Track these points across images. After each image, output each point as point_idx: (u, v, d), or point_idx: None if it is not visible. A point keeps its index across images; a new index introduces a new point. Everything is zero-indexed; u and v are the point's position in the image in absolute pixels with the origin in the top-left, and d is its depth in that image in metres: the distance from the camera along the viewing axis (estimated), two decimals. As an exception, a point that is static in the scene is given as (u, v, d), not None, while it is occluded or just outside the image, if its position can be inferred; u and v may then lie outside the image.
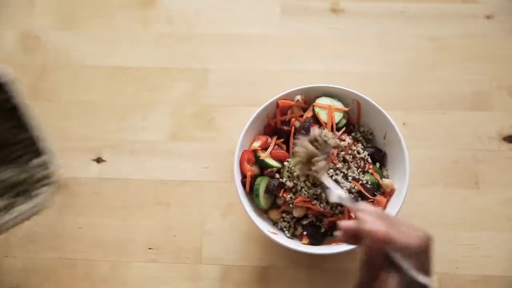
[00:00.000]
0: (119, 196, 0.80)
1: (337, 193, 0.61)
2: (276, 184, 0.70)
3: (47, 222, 0.79)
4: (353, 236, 0.50)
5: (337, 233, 0.51)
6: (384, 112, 0.71)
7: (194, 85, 0.87)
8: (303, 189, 0.68)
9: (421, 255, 0.48)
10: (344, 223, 0.51)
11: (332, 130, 0.71)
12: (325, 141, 0.64)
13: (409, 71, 0.87)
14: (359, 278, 0.49)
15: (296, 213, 0.70)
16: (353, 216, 0.67)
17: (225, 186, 0.80)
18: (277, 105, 0.73)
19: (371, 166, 0.71)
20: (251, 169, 0.71)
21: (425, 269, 0.48)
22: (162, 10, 0.92)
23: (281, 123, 0.74)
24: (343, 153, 0.70)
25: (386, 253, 0.47)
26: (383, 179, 0.71)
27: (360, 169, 0.71)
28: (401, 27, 0.89)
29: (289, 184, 0.69)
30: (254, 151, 0.72)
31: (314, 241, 0.69)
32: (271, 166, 0.71)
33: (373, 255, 0.48)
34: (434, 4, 0.90)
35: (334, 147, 0.68)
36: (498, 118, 0.83)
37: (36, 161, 0.60)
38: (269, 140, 0.73)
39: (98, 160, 0.82)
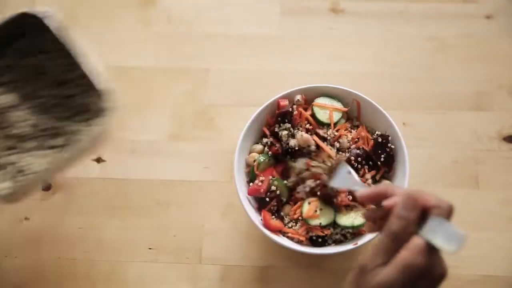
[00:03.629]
0: (119, 196, 0.80)
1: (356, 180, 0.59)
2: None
3: (47, 222, 0.79)
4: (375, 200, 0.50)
5: (359, 193, 0.51)
6: (384, 112, 0.71)
7: (194, 85, 0.87)
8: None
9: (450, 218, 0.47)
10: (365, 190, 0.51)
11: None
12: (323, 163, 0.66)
13: (409, 71, 0.87)
14: (385, 246, 0.47)
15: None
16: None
17: (225, 186, 0.80)
18: (278, 105, 0.73)
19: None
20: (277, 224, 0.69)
21: None
22: (162, 10, 0.92)
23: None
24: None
25: (417, 214, 0.47)
26: (382, 179, 0.71)
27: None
28: (401, 27, 0.89)
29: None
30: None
31: (314, 244, 0.69)
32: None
33: (407, 223, 0.46)
34: (434, 4, 0.90)
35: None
36: (498, 118, 0.83)
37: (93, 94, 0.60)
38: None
39: (98, 160, 0.82)
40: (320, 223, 0.67)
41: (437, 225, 0.46)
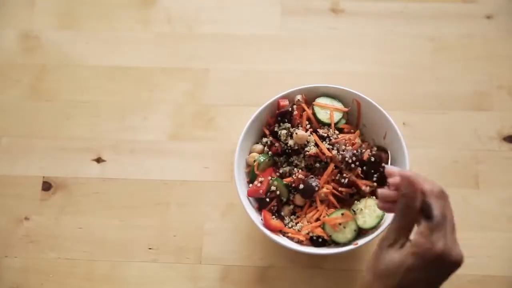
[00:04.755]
0: (119, 196, 0.80)
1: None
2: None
3: (47, 222, 0.79)
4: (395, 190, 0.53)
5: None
6: (384, 112, 0.71)
7: (194, 85, 0.87)
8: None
9: (443, 201, 0.51)
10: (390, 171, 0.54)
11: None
12: None
13: (409, 71, 0.87)
14: (396, 224, 0.52)
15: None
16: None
17: (225, 186, 0.80)
18: (278, 105, 0.73)
19: None
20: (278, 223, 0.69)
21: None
22: (162, 10, 0.92)
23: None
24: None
25: (418, 197, 0.51)
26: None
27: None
28: (401, 27, 0.89)
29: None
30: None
31: (314, 244, 0.69)
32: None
33: (409, 200, 0.51)
34: (434, 4, 0.90)
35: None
36: (498, 118, 0.83)
37: None
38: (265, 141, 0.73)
39: (98, 160, 0.82)
40: (331, 236, 0.68)
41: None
